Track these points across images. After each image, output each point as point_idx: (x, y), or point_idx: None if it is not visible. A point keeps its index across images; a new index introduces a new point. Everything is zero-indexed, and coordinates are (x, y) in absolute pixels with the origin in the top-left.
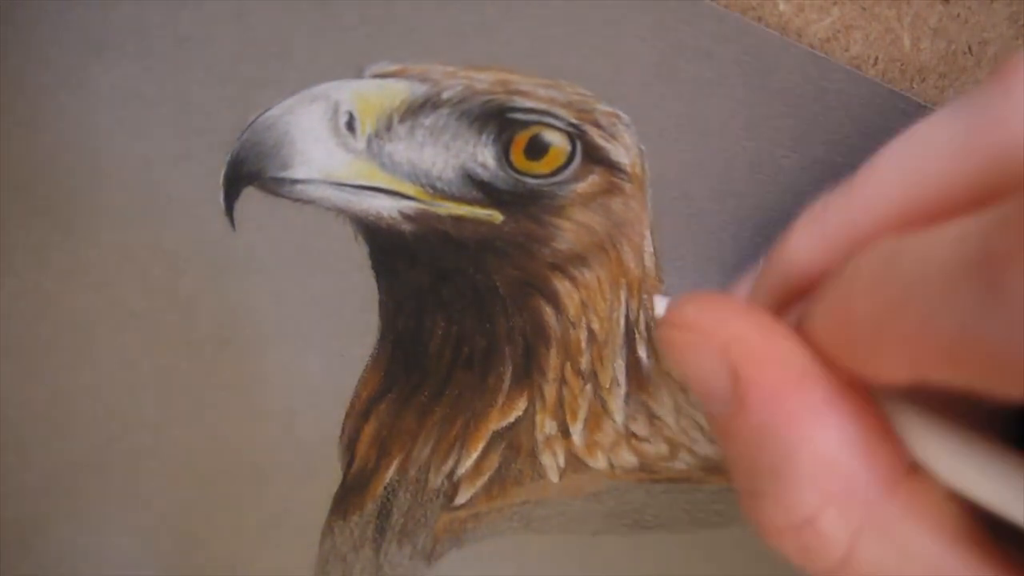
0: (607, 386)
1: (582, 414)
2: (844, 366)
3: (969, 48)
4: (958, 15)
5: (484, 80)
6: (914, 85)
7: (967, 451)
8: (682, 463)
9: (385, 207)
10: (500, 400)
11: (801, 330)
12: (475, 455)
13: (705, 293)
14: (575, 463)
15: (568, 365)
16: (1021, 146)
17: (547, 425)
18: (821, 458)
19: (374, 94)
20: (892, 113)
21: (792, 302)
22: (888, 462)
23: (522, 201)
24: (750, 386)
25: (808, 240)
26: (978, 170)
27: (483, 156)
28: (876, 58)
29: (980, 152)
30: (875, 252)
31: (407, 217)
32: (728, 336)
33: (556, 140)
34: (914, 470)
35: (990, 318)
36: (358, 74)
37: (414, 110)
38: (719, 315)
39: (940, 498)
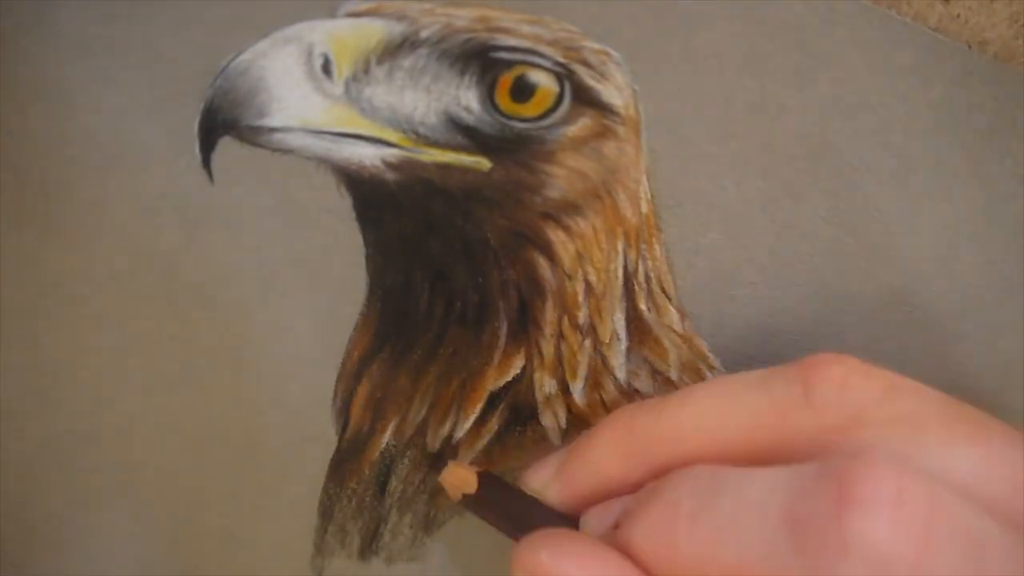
0: (607, 341)
1: (582, 371)
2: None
3: (969, 48)
4: (958, 15)
5: (464, 17)
6: None
7: None
8: None
9: (367, 155)
10: (496, 358)
11: (620, 538)
12: (473, 417)
13: (551, 535)
14: (577, 423)
15: (565, 319)
16: (819, 429)
17: (547, 384)
18: None
19: (349, 35)
20: (903, 47)
21: (595, 497)
22: None
23: (510, 147)
24: None
25: (617, 449)
26: (771, 441)
27: (467, 99)
28: None
29: (775, 432)
30: (693, 481)
31: (390, 166)
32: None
33: (543, 80)
34: None
35: (797, 568)
36: (331, 13)
37: (392, 51)
38: (569, 561)
39: None
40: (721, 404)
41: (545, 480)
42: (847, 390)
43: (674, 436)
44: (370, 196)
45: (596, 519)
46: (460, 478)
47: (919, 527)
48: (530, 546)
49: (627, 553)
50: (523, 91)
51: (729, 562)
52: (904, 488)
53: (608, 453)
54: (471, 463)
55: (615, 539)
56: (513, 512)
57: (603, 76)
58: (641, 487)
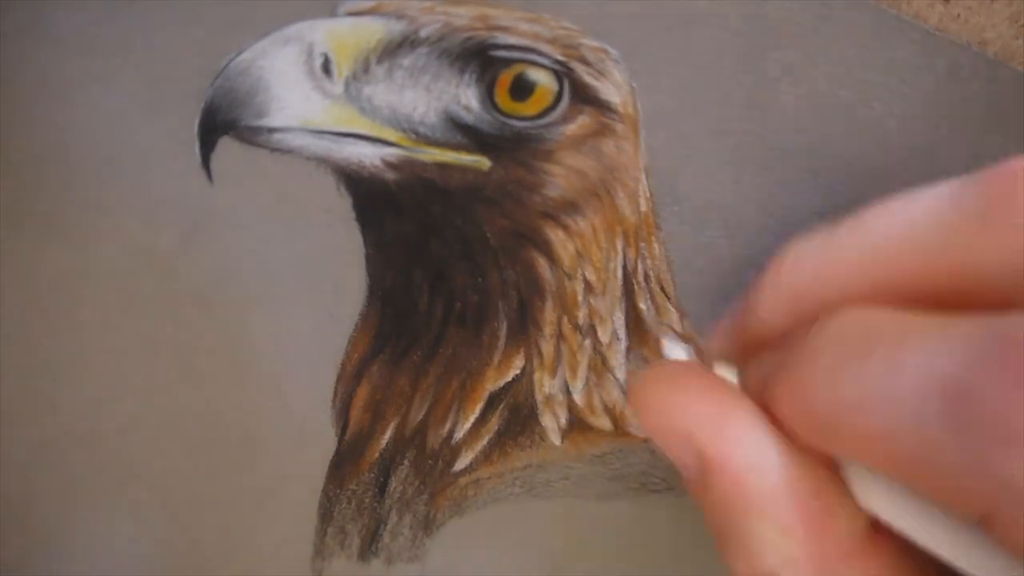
0: (607, 341)
1: (582, 371)
2: (804, 439)
3: (969, 48)
4: (958, 15)
5: (463, 16)
6: None
7: (922, 510)
8: None
9: (367, 155)
10: (496, 358)
11: (766, 394)
12: (473, 417)
13: (670, 368)
14: (577, 423)
15: (565, 319)
16: (1005, 264)
17: (546, 384)
18: (780, 530)
19: (349, 34)
20: (900, 43)
21: (760, 351)
22: (847, 527)
23: (509, 146)
24: (714, 470)
25: (776, 297)
26: (961, 273)
27: (466, 98)
28: None
29: (966, 256)
30: (841, 330)
31: (390, 165)
32: (692, 423)
33: (542, 79)
34: (873, 535)
35: (953, 451)
36: (331, 12)
37: (391, 50)
38: (684, 398)
39: (897, 562)
40: (900, 226)
41: (717, 331)
42: None
43: (842, 273)
44: (370, 196)
45: (753, 371)
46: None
47: None
48: (648, 379)
49: (768, 410)
50: (522, 89)
51: (872, 432)
52: None
53: (773, 299)
54: (472, 465)
55: (764, 397)
56: None
57: (602, 74)
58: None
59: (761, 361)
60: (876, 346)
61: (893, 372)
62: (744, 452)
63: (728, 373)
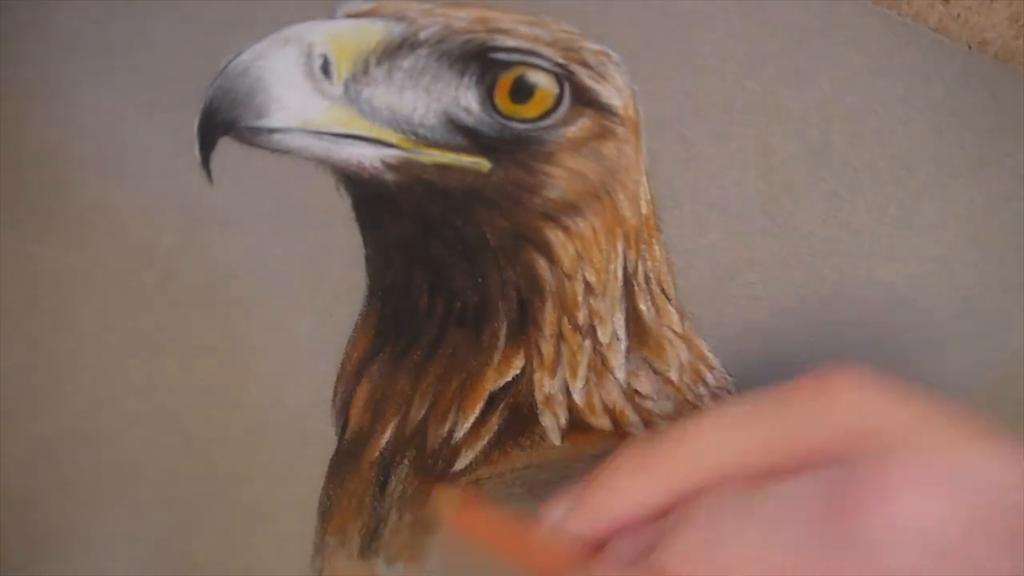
0: (606, 341)
1: (582, 371)
2: None
3: (969, 48)
4: (958, 15)
5: (463, 18)
6: None
7: None
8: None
9: (367, 156)
10: (496, 358)
11: (653, 562)
12: (473, 417)
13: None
14: (577, 423)
15: (565, 320)
16: (827, 441)
17: (546, 384)
18: None
19: (349, 35)
20: (905, 48)
21: (623, 524)
22: None
23: (509, 147)
24: None
25: (639, 478)
26: (792, 456)
27: (466, 100)
28: None
29: (796, 445)
30: (723, 501)
31: (390, 166)
32: None
33: (542, 81)
34: None
35: (848, 547)
36: (330, 14)
37: (391, 52)
38: None
39: None
40: (739, 424)
41: (564, 509)
42: (864, 395)
43: (695, 457)
44: (370, 196)
45: (626, 545)
46: (447, 498)
47: (964, 505)
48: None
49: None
50: (522, 92)
51: (776, 563)
52: (940, 474)
53: (629, 479)
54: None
55: (647, 566)
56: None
57: (602, 77)
58: (664, 510)
59: (631, 537)
60: (760, 498)
61: (783, 510)
62: None
63: None
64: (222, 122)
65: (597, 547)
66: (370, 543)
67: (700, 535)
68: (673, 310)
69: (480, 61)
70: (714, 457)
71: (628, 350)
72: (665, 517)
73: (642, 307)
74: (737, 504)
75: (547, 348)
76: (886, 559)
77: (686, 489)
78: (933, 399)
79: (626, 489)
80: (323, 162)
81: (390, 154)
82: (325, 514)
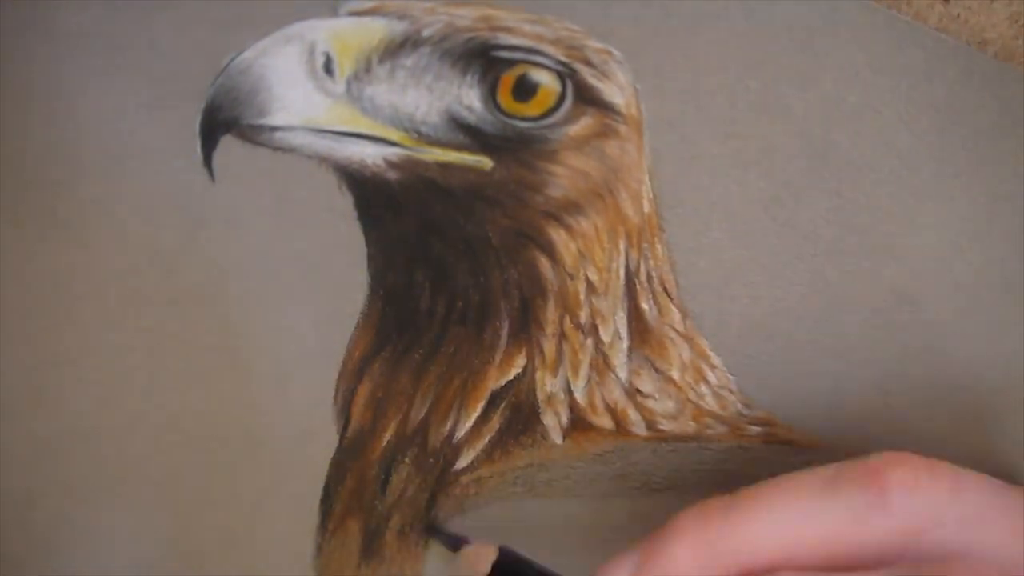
0: (608, 340)
1: (584, 370)
2: None
3: (969, 48)
4: (958, 15)
5: (466, 16)
6: None
7: None
8: (688, 420)
9: (369, 154)
10: (498, 357)
11: None
12: (474, 416)
13: None
14: (579, 423)
15: (567, 318)
16: (882, 544)
17: (548, 383)
18: None
19: (351, 33)
20: (908, 47)
21: None
22: None
23: (512, 146)
24: None
25: (692, 557)
26: (849, 547)
27: (469, 98)
28: None
29: (854, 539)
30: None
31: (392, 164)
32: None
33: (545, 80)
34: None
35: None
36: (333, 12)
37: (393, 50)
38: None
39: None
40: (795, 514)
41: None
42: (919, 492)
43: (750, 545)
44: (372, 195)
45: None
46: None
47: None
48: None
49: None
50: (525, 90)
51: None
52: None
53: (684, 559)
54: (473, 464)
55: None
56: None
57: (605, 75)
58: None
59: None
60: None
61: None
62: None
63: None
64: (224, 120)
65: None
66: (371, 542)
67: None
68: (675, 309)
69: (483, 59)
70: (770, 545)
71: (630, 349)
72: None
73: (644, 306)
74: None
75: (549, 347)
76: None
77: (742, 571)
78: (988, 482)
79: (682, 563)
80: (325, 160)
81: (392, 152)
82: (326, 514)
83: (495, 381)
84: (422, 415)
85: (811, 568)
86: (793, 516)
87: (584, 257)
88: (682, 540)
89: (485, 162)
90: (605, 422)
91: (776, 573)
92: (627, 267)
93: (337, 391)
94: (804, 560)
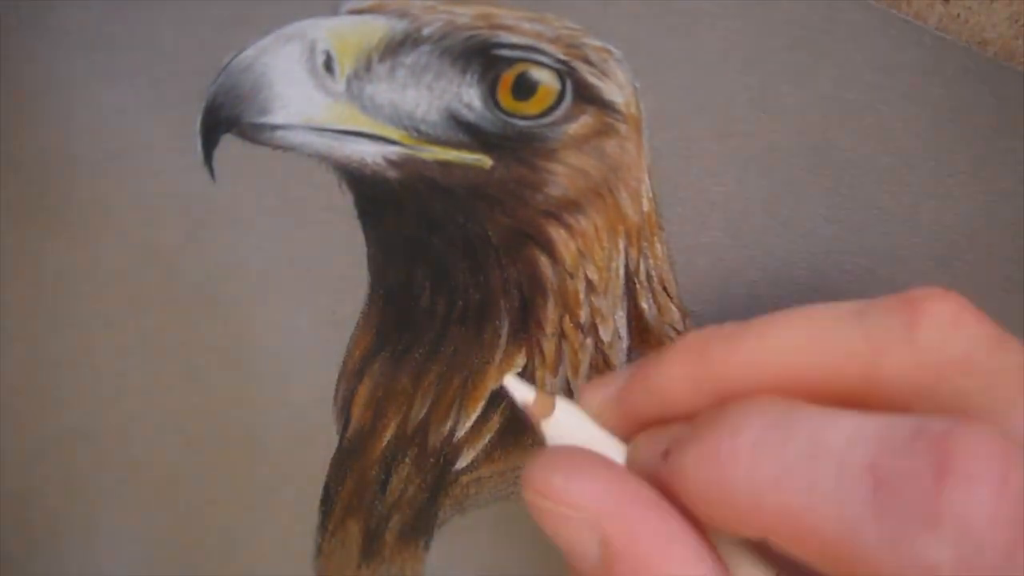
0: (608, 339)
1: (584, 369)
2: (699, 511)
3: (969, 48)
4: (958, 15)
5: (465, 14)
6: None
7: None
8: None
9: (369, 153)
10: (498, 356)
11: (665, 468)
12: (475, 415)
13: (565, 454)
14: None
15: (567, 318)
16: (905, 377)
17: (548, 382)
18: None
19: (351, 32)
20: (907, 46)
21: (655, 422)
22: None
23: (512, 144)
24: (621, 558)
25: (686, 371)
26: (860, 378)
27: (468, 96)
28: None
29: (870, 370)
30: (761, 411)
31: (392, 163)
32: (597, 512)
33: (545, 78)
34: None
35: (875, 533)
36: (333, 11)
37: (393, 48)
38: (586, 487)
39: None
40: (809, 332)
41: (605, 399)
42: (957, 329)
43: (752, 363)
44: (372, 194)
45: (646, 444)
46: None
47: (1021, 515)
48: (543, 466)
49: (670, 485)
50: (525, 88)
51: (792, 509)
52: (1011, 469)
53: (675, 376)
54: (473, 463)
55: (662, 468)
56: None
57: (604, 74)
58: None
59: (655, 436)
60: (799, 427)
61: (817, 453)
62: (654, 540)
63: (581, 419)
64: (225, 119)
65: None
66: (372, 542)
67: (719, 439)
68: (675, 308)
69: (482, 58)
70: (774, 364)
71: (630, 348)
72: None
73: (644, 305)
74: (773, 417)
75: (549, 346)
76: (988, 553)
77: (736, 395)
78: None
79: (670, 387)
80: (325, 159)
81: (392, 151)
82: (326, 514)
83: (495, 380)
84: (422, 415)
85: (813, 396)
86: (806, 337)
87: (584, 256)
88: (676, 359)
89: (485, 161)
90: None
91: (763, 395)
92: (627, 266)
93: (337, 391)
94: (808, 387)
